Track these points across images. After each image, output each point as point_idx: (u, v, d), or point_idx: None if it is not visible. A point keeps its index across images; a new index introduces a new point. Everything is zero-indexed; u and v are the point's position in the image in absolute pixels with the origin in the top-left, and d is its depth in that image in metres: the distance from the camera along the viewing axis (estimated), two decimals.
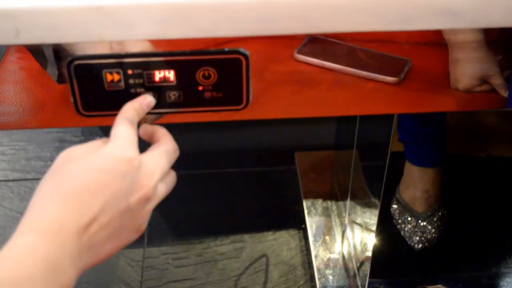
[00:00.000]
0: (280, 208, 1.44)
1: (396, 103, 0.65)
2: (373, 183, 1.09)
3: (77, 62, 0.53)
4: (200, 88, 0.55)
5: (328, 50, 0.68)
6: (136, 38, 0.52)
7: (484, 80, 0.66)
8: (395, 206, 1.11)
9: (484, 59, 0.66)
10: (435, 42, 0.69)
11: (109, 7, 0.51)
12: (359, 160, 1.21)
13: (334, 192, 1.41)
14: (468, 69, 0.65)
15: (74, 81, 0.54)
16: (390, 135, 0.93)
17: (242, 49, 0.54)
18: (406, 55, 0.68)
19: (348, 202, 1.29)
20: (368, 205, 1.13)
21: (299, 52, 0.67)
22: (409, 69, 0.67)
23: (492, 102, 0.67)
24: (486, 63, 0.66)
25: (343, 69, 0.65)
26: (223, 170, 1.52)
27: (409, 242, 1.08)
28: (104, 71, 0.54)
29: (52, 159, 1.55)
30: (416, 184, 1.07)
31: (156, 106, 0.55)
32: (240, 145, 1.56)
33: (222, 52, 0.54)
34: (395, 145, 1.01)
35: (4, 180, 1.49)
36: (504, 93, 0.66)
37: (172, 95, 0.56)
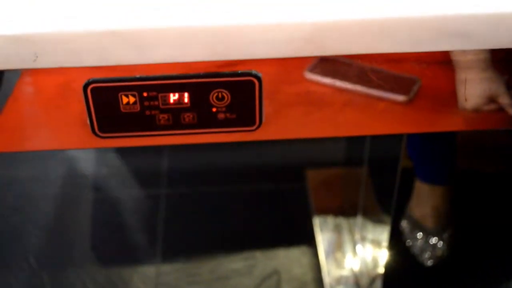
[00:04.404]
0: (291, 224, 1.45)
1: (406, 122, 0.66)
2: (384, 200, 1.09)
3: (93, 85, 0.54)
4: (214, 109, 0.57)
5: (338, 69, 0.69)
6: (153, 62, 0.53)
7: (491, 100, 0.67)
8: (405, 222, 1.11)
9: (491, 79, 0.67)
10: (443, 61, 0.69)
11: (126, 31, 0.52)
12: (369, 177, 1.22)
13: (345, 209, 1.41)
14: (475, 89, 0.66)
15: (90, 103, 0.55)
16: (400, 152, 0.94)
17: (255, 72, 0.55)
18: (416, 74, 0.69)
19: (359, 218, 1.29)
20: (379, 221, 1.14)
21: (310, 72, 0.68)
22: (418, 88, 0.68)
23: (501, 121, 0.68)
24: (494, 83, 0.67)
25: (354, 88, 0.66)
26: (235, 187, 1.53)
27: (419, 259, 1.09)
28: (119, 93, 0.55)
29: (65, 177, 1.56)
30: (426, 201, 1.07)
31: (171, 127, 0.57)
32: (251, 162, 1.57)
33: (236, 74, 0.55)
34: (405, 162, 1.02)
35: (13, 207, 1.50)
36: None
37: (186, 117, 0.57)
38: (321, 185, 1.50)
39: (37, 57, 0.52)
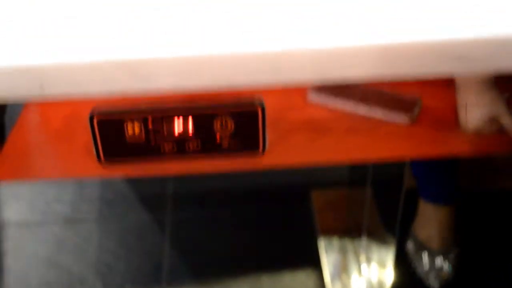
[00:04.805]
0: (297, 246, 1.45)
1: (408, 146, 0.66)
2: (388, 221, 1.09)
3: (99, 115, 0.55)
4: (218, 137, 0.57)
5: (340, 91, 0.70)
6: (157, 91, 0.54)
7: (493, 120, 0.68)
8: (410, 243, 1.11)
9: (492, 101, 0.67)
10: (444, 82, 0.70)
11: (131, 61, 0.53)
12: (373, 198, 1.22)
13: (350, 230, 1.41)
14: (476, 112, 0.67)
15: (96, 133, 0.56)
16: (404, 172, 0.94)
17: (258, 100, 0.56)
18: (417, 94, 0.69)
19: (364, 239, 1.29)
20: (384, 242, 1.14)
21: (313, 94, 0.69)
22: (419, 108, 0.68)
23: (503, 141, 0.68)
24: (494, 105, 0.67)
25: (356, 109, 0.67)
26: (240, 209, 1.53)
27: (425, 280, 1.08)
28: (125, 124, 0.56)
29: (72, 202, 1.57)
30: (430, 221, 1.07)
31: (176, 156, 0.57)
32: (255, 183, 1.57)
33: (239, 103, 0.56)
34: (409, 182, 1.02)
35: (24, 224, 1.51)
36: None
37: (191, 145, 0.57)
38: (326, 206, 1.50)
39: (43, 88, 0.53)
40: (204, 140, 0.57)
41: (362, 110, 0.67)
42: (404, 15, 0.56)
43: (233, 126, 0.57)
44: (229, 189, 1.55)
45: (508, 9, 0.57)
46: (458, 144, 0.67)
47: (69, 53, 0.53)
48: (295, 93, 0.58)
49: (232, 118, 0.56)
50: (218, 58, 0.54)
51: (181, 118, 0.56)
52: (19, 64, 0.52)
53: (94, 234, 1.47)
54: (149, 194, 1.56)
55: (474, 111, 0.66)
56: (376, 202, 1.22)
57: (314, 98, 0.67)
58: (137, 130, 0.56)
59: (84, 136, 0.57)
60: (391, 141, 0.65)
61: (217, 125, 0.57)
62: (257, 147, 0.58)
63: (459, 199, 1.04)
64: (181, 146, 0.57)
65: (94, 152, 0.57)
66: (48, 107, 0.56)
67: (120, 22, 0.56)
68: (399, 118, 0.67)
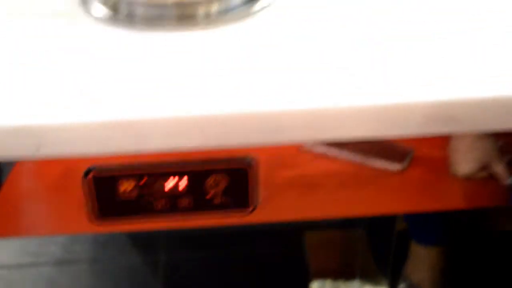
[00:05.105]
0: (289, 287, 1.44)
1: (400, 199, 0.67)
2: (381, 263, 1.09)
3: (92, 172, 0.56)
4: (209, 194, 0.58)
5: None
6: (152, 150, 0.55)
7: (484, 167, 0.68)
8: (403, 286, 1.11)
9: (484, 147, 0.68)
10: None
11: (125, 121, 0.54)
12: (366, 239, 1.22)
13: (343, 272, 1.41)
14: (468, 158, 0.67)
15: (89, 190, 0.56)
16: (395, 215, 0.94)
17: (249, 158, 0.57)
18: (408, 142, 0.70)
19: (357, 281, 1.29)
20: (376, 284, 1.14)
21: (306, 145, 0.70)
22: (411, 157, 0.69)
23: (495, 190, 0.69)
24: (487, 151, 0.68)
25: (349, 157, 0.68)
26: (233, 250, 1.53)
27: None
28: (118, 181, 0.56)
29: (64, 243, 1.56)
30: (422, 263, 1.08)
31: (168, 212, 0.58)
32: (249, 224, 1.57)
33: (231, 161, 0.57)
34: (402, 223, 1.03)
35: (16, 265, 1.50)
36: (505, 181, 0.68)
37: (183, 202, 0.58)
38: (319, 248, 1.50)
39: (38, 148, 0.54)
40: (196, 197, 0.58)
41: (354, 158, 0.68)
42: (393, 77, 0.58)
43: (225, 184, 0.58)
44: (222, 230, 1.55)
45: (495, 71, 0.59)
46: (450, 196, 0.68)
47: (66, 113, 0.54)
48: (287, 150, 0.59)
49: (224, 175, 0.57)
50: (211, 118, 0.55)
51: (174, 176, 0.57)
52: (15, 124, 0.53)
53: (87, 275, 1.47)
54: (142, 235, 1.56)
55: (467, 158, 0.67)
56: (369, 244, 1.22)
57: (307, 147, 0.68)
58: (130, 187, 0.57)
59: (76, 193, 0.58)
60: (383, 195, 0.65)
61: (209, 182, 0.58)
62: (249, 203, 0.59)
63: (451, 240, 1.04)
64: (173, 203, 0.58)
65: (87, 209, 0.57)
66: (41, 162, 0.57)
67: (114, 83, 0.57)
68: (391, 167, 0.68)
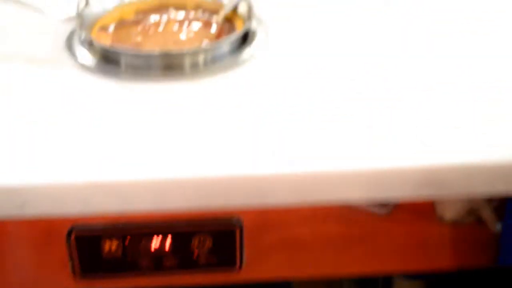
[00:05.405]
0: None
1: (388, 259, 0.66)
2: None
3: (76, 231, 0.55)
4: (195, 254, 0.57)
5: None
6: (136, 211, 0.55)
7: (471, 213, 0.68)
8: None
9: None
10: None
11: (109, 182, 0.54)
12: (354, 287, 1.21)
13: None
14: (455, 203, 0.67)
15: (73, 249, 0.56)
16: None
17: (236, 219, 0.56)
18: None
19: None
20: None
21: None
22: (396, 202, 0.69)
23: (481, 237, 0.68)
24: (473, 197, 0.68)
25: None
26: None
27: None
28: (102, 240, 0.56)
29: None
30: None
31: (152, 272, 0.57)
32: (235, 285, 1.55)
33: (217, 222, 0.56)
34: None
35: None
36: (492, 227, 0.67)
37: (168, 261, 0.57)
38: None
39: (22, 207, 0.53)
40: (181, 257, 0.58)
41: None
42: (380, 142, 0.58)
43: (210, 244, 0.57)
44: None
45: (479, 135, 0.59)
46: (437, 250, 0.68)
47: (50, 173, 0.54)
48: (273, 212, 0.59)
49: (210, 236, 0.57)
50: (197, 180, 0.54)
51: (158, 236, 0.57)
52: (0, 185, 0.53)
53: None
54: None
55: (453, 202, 0.67)
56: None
57: None
58: (114, 247, 0.56)
59: (59, 251, 0.57)
60: (369, 256, 0.65)
61: (194, 242, 0.57)
62: (235, 263, 0.58)
63: (433, 274, 1.04)
64: (158, 262, 0.58)
65: (70, 268, 0.57)
66: (23, 222, 0.57)
67: (99, 144, 0.57)
68: (377, 210, 0.67)
